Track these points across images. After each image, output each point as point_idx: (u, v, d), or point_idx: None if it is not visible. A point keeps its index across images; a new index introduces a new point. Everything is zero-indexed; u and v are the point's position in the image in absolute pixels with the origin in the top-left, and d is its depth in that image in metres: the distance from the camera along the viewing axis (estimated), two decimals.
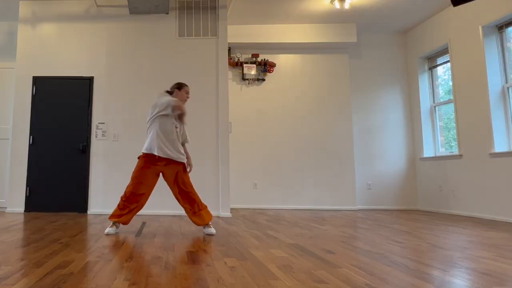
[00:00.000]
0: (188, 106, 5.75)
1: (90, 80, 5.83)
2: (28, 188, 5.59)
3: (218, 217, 5.26)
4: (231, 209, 6.37)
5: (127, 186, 3.53)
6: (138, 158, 3.60)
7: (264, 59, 7.02)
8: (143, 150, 3.54)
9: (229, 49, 6.96)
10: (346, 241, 3.23)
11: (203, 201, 5.56)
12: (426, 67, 6.94)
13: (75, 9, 5.99)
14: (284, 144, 6.89)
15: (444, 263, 2.38)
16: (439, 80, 6.85)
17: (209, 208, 5.43)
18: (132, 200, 3.49)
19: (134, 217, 5.11)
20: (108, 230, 3.53)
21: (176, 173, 3.54)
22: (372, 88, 7.18)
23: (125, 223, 3.55)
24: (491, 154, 5.31)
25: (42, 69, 5.85)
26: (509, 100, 5.34)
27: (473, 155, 5.64)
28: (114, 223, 3.55)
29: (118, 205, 3.53)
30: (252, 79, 6.98)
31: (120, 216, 3.51)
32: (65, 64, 5.87)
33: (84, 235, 3.47)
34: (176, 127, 3.55)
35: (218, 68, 5.79)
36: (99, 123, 5.73)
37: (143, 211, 5.50)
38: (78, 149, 5.68)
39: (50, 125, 5.72)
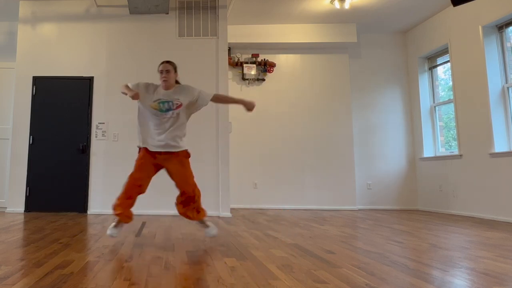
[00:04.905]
0: None
1: (90, 80, 5.82)
2: (28, 188, 5.59)
3: (218, 217, 5.26)
4: (231, 209, 6.37)
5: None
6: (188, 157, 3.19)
7: (264, 59, 7.02)
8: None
9: (229, 49, 6.96)
10: (346, 241, 3.23)
11: (205, 201, 5.56)
12: (426, 67, 6.94)
13: (75, 9, 5.98)
14: (284, 144, 6.89)
15: (444, 263, 2.38)
16: (439, 80, 6.85)
17: (209, 208, 5.43)
18: None
19: (134, 217, 5.11)
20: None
21: None
22: (372, 88, 7.18)
23: None
24: (491, 154, 5.31)
25: (42, 69, 5.85)
26: (509, 100, 5.34)
27: (473, 155, 5.64)
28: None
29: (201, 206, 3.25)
30: (252, 79, 6.98)
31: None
32: (65, 64, 5.87)
33: (84, 235, 3.47)
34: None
35: (218, 68, 5.79)
36: (99, 123, 5.73)
37: (143, 211, 5.50)
38: (78, 149, 5.68)
39: (50, 125, 5.72)
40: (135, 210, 5.49)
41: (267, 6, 6.25)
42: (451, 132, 6.58)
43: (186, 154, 3.17)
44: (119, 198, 3.21)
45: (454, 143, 6.45)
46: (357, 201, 6.86)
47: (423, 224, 4.50)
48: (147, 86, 3.20)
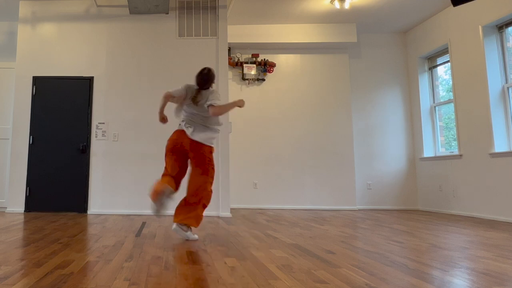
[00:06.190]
0: None
1: (90, 80, 5.82)
2: (28, 188, 5.59)
3: (218, 217, 5.26)
4: (231, 209, 6.37)
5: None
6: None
7: (264, 59, 7.02)
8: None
9: (229, 49, 6.96)
10: (346, 241, 3.23)
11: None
12: (426, 67, 6.94)
13: (75, 9, 5.98)
14: (284, 144, 6.89)
15: (444, 263, 2.38)
16: (439, 80, 6.85)
17: (209, 208, 5.43)
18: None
19: (134, 217, 5.12)
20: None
21: None
22: (372, 88, 7.18)
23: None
24: (491, 154, 5.31)
25: (42, 69, 5.85)
26: (509, 100, 5.34)
27: (473, 155, 5.64)
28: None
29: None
30: (252, 79, 6.98)
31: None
32: (65, 64, 5.87)
33: (84, 235, 3.47)
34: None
35: (218, 68, 5.79)
36: (99, 123, 5.73)
37: (143, 211, 5.50)
38: (78, 149, 5.68)
39: (50, 125, 5.72)
40: (135, 209, 5.51)
41: (267, 6, 6.25)
42: (451, 132, 6.58)
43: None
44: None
45: (454, 143, 6.45)
46: (357, 201, 6.86)
47: (423, 224, 4.50)
48: None
